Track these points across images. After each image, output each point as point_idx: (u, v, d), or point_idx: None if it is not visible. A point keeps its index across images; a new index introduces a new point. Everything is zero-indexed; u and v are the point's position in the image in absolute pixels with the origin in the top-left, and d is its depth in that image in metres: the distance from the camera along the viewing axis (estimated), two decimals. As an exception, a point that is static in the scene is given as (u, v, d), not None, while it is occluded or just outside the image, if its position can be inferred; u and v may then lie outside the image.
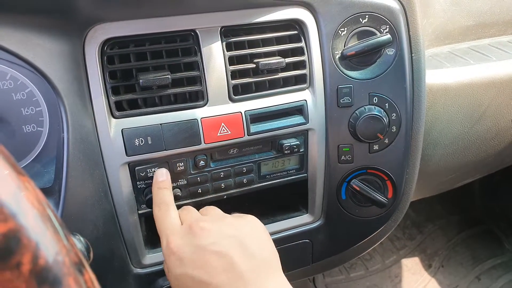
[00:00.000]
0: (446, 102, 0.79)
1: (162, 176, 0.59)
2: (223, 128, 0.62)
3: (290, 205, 0.76)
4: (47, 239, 0.18)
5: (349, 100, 0.66)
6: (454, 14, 0.93)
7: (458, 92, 0.79)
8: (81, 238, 0.39)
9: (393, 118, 0.67)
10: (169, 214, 0.54)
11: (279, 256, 0.53)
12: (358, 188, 0.70)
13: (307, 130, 0.67)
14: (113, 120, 0.57)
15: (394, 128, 0.68)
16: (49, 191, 0.54)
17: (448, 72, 0.79)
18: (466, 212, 1.66)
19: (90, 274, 0.20)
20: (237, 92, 0.63)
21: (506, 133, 0.91)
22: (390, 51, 0.65)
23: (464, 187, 1.69)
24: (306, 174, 0.71)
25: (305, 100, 0.66)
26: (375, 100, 0.66)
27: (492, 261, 1.49)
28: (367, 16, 0.64)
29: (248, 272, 0.46)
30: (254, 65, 0.63)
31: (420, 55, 0.67)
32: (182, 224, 0.53)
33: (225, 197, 0.67)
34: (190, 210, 0.58)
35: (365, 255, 1.49)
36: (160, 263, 0.67)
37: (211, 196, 0.66)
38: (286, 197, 0.77)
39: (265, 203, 0.75)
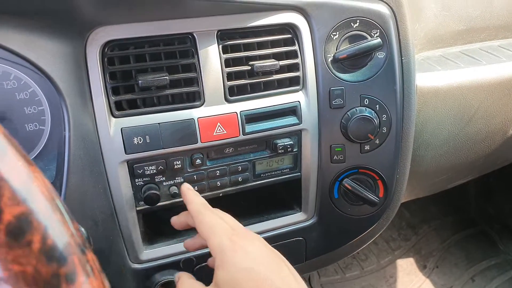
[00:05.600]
0: (436, 104, 0.81)
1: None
2: (219, 127, 0.64)
3: (284, 204, 0.78)
4: (54, 222, 0.20)
5: (341, 101, 0.68)
6: (446, 19, 0.95)
7: (448, 94, 0.81)
8: (82, 228, 0.41)
9: (383, 119, 0.70)
10: (222, 218, 0.54)
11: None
12: (350, 187, 0.72)
13: (300, 130, 0.69)
14: (113, 119, 0.60)
15: (385, 129, 0.70)
16: (50, 187, 0.56)
17: (439, 75, 0.81)
18: (460, 214, 1.68)
19: (91, 255, 0.22)
20: (232, 93, 0.65)
21: (496, 135, 0.94)
22: (380, 55, 0.67)
23: (458, 189, 1.71)
24: (299, 173, 0.73)
25: (298, 101, 0.68)
26: (366, 102, 0.68)
27: (486, 262, 1.51)
28: (358, 21, 0.66)
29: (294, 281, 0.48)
30: (250, 67, 0.65)
31: (409, 59, 0.69)
32: None
33: (220, 195, 0.69)
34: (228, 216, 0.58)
35: (360, 255, 1.51)
36: (157, 258, 0.69)
37: (207, 193, 0.68)
38: (280, 195, 0.79)
39: (260, 201, 0.77)
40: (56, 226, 0.20)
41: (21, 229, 0.19)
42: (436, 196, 1.63)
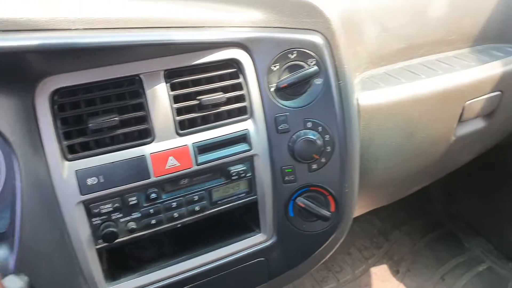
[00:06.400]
0: (379, 120, 0.87)
1: None
2: (172, 160, 0.67)
3: (244, 227, 0.81)
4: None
5: (287, 126, 0.73)
6: (386, 39, 1.02)
7: (390, 110, 0.87)
8: (24, 277, 0.43)
9: (327, 139, 0.74)
10: None
11: (236, 277, 0.56)
12: (303, 205, 0.76)
13: (252, 156, 0.73)
14: (66, 163, 0.62)
15: (329, 148, 0.75)
16: (4, 236, 0.58)
17: (380, 92, 0.87)
18: (428, 216, 1.75)
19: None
20: (184, 126, 0.69)
21: (441, 142, 1.00)
22: (318, 81, 0.73)
23: (424, 192, 1.78)
24: (255, 196, 0.77)
25: (247, 129, 0.72)
26: (309, 125, 0.73)
27: (454, 260, 1.57)
28: (295, 52, 0.71)
29: None
30: (198, 102, 0.69)
31: (346, 82, 0.75)
32: None
33: (179, 225, 0.72)
34: None
35: (335, 267, 1.55)
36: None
37: (165, 226, 0.71)
38: (240, 219, 0.82)
39: (220, 227, 0.80)
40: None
41: None
42: (404, 201, 1.69)
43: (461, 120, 0.99)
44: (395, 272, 1.53)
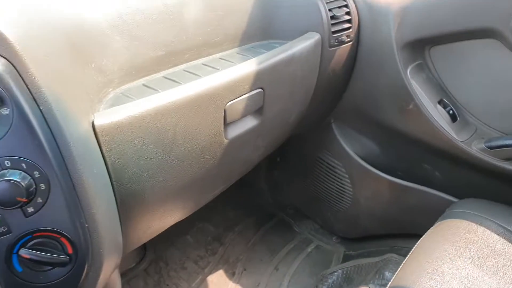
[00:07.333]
0: (125, 138, 0.80)
1: None
2: None
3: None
4: None
5: (-22, 171, 0.60)
6: (139, 49, 0.96)
7: (134, 126, 0.81)
8: None
9: (37, 176, 0.64)
10: None
11: None
12: (28, 256, 0.65)
13: None
14: None
15: (43, 186, 0.65)
16: None
17: (120, 109, 0.80)
18: (261, 210, 1.81)
19: None
20: None
21: (213, 148, 0.99)
22: (5, 111, 0.62)
23: (253, 187, 1.83)
24: (-39, 262, 0.62)
25: None
26: (8, 164, 0.62)
27: (286, 248, 1.64)
28: (-37, 82, 0.59)
29: None
30: None
31: (50, 106, 0.66)
32: None
33: None
34: None
35: (171, 285, 1.47)
36: None
37: None
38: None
39: None
40: None
41: None
42: (235, 200, 1.71)
43: (227, 122, 0.99)
44: (231, 274, 1.53)
